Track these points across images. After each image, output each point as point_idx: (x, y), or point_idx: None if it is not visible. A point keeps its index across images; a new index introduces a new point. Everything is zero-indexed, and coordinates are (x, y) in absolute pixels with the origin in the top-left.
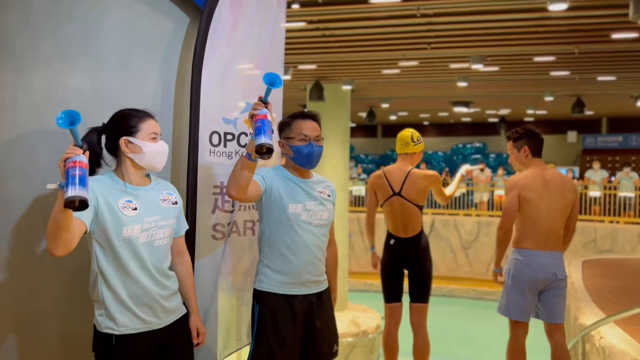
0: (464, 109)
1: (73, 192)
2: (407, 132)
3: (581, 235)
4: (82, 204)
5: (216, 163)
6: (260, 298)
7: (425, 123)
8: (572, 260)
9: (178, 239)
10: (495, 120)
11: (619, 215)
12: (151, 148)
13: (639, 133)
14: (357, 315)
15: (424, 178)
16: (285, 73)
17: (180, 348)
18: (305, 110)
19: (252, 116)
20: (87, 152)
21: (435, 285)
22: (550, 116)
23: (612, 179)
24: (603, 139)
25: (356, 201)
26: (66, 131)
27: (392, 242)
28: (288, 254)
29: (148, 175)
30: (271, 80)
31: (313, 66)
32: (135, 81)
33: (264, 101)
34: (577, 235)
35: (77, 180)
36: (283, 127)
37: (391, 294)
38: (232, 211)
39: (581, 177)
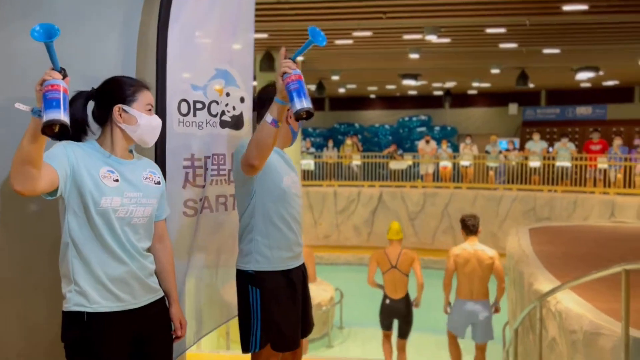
0: (412, 82)
1: (53, 115)
2: (399, 225)
3: (521, 203)
4: (62, 129)
5: (186, 134)
6: (260, 279)
7: (372, 96)
8: (519, 228)
9: (159, 222)
10: (441, 93)
11: (557, 184)
12: (146, 120)
13: (575, 105)
14: (310, 288)
15: (410, 255)
16: None
17: (159, 337)
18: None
19: (282, 75)
20: (68, 78)
21: None
22: (492, 89)
23: (550, 149)
24: (542, 111)
25: (304, 175)
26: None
27: (387, 301)
28: (284, 228)
29: (131, 151)
30: (315, 34)
31: (265, 35)
32: (93, 44)
33: (293, 59)
34: (517, 204)
35: (55, 103)
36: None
37: (385, 328)
38: (203, 186)
39: (522, 148)
